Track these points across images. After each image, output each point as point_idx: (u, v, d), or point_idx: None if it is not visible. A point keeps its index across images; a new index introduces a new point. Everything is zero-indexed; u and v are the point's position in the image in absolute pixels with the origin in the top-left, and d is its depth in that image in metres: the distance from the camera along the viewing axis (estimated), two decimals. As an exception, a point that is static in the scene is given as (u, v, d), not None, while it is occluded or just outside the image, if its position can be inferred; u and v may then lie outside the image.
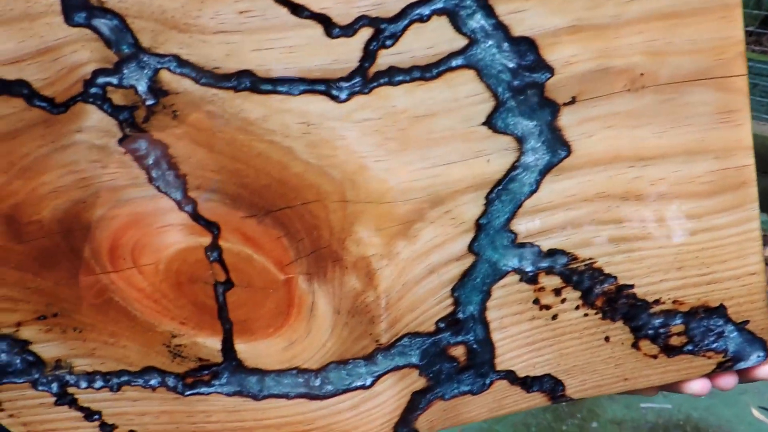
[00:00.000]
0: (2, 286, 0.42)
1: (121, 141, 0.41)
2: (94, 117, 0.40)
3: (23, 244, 0.41)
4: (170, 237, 0.42)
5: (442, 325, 0.47)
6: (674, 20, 0.42)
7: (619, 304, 0.48)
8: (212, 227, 0.42)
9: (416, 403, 0.48)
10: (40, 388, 0.44)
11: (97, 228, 0.42)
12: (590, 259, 0.47)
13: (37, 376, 0.44)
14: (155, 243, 0.42)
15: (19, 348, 0.43)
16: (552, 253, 0.46)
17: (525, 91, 0.43)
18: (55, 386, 0.44)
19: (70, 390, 0.45)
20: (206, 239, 0.43)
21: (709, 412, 1.63)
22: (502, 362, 0.48)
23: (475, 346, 0.48)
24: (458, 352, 0.48)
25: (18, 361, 0.44)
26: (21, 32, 0.38)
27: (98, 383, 0.45)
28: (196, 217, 0.42)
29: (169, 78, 0.40)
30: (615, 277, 0.47)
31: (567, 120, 0.44)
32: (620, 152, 0.45)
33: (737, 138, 0.45)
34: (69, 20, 0.38)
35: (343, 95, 0.42)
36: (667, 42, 0.43)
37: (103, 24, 0.39)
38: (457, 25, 0.41)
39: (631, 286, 0.48)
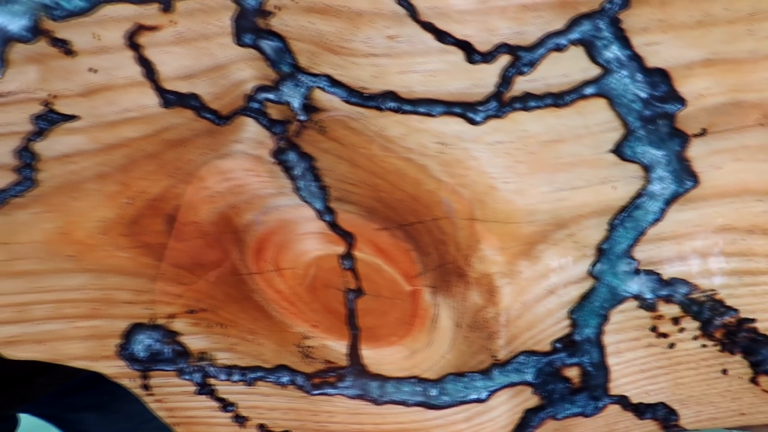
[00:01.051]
0: (161, 280, 0.44)
1: (273, 152, 0.42)
2: (251, 129, 0.42)
3: (181, 242, 0.43)
4: (309, 244, 0.44)
5: (558, 345, 0.46)
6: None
7: (739, 337, 0.46)
8: (348, 237, 0.44)
9: (528, 421, 0.47)
10: (185, 377, 0.46)
11: (246, 232, 0.44)
12: (712, 290, 0.45)
13: (183, 365, 0.46)
14: (295, 249, 0.44)
15: (170, 338, 0.45)
16: (673, 282, 0.45)
17: (655, 121, 0.42)
18: (198, 376, 0.46)
19: (211, 381, 0.46)
20: (341, 248, 0.44)
21: None
22: (616, 387, 0.47)
23: (589, 368, 0.47)
24: (572, 373, 0.47)
25: (168, 350, 0.46)
26: (197, 51, 0.41)
27: (236, 377, 0.46)
28: (334, 226, 0.43)
29: (320, 96, 0.42)
30: (736, 310, 0.45)
31: (696, 151, 0.43)
32: (748, 186, 0.43)
33: None
34: (239, 41, 0.41)
35: (478, 118, 0.42)
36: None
37: (267, 45, 0.41)
38: (593, 55, 0.42)
39: (753, 320, 0.46)
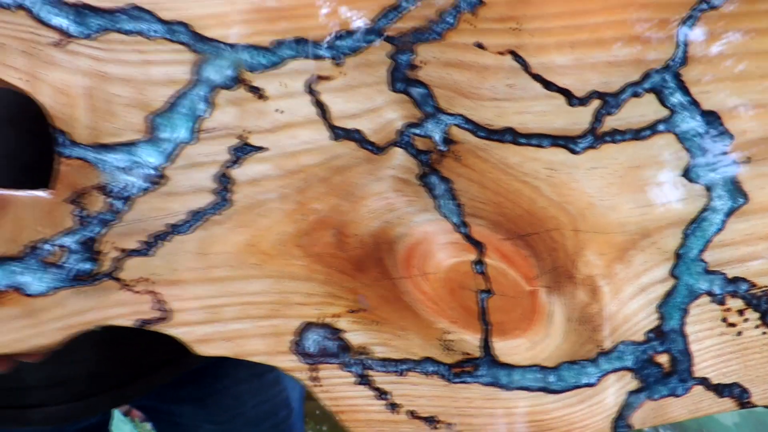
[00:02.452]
0: (329, 284, 0.50)
1: (419, 176, 0.50)
2: (401, 158, 0.50)
3: (345, 252, 0.50)
4: (448, 252, 0.50)
5: (650, 335, 0.52)
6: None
7: None
8: (479, 246, 0.51)
9: (631, 402, 0.53)
10: (348, 369, 0.51)
11: (397, 243, 0.50)
12: (766, 286, 0.53)
13: (345, 359, 0.51)
14: (437, 256, 0.50)
15: (335, 335, 0.51)
16: (736, 280, 0.53)
17: (712, 151, 0.52)
18: (358, 368, 0.51)
19: (369, 373, 0.51)
20: (473, 256, 0.51)
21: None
22: (698, 370, 0.53)
23: (676, 355, 0.53)
24: (663, 359, 0.53)
25: (334, 345, 0.51)
26: (360, 95, 0.49)
27: (390, 368, 0.51)
28: (468, 237, 0.50)
29: (456, 131, 0.50)
30: None
31: (744, 175, 0.52)
32: (786, 201, 0.52)
33: None
34: (393, 88, 0.50)
35: (578, 149, 0.51)
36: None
37: (415, 91, 0.50)
38: (662, 100, 0.51)
39: None
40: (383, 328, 0.50)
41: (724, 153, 0.51)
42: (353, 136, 0.48)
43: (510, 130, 0.50)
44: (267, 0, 0.47)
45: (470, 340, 0.50)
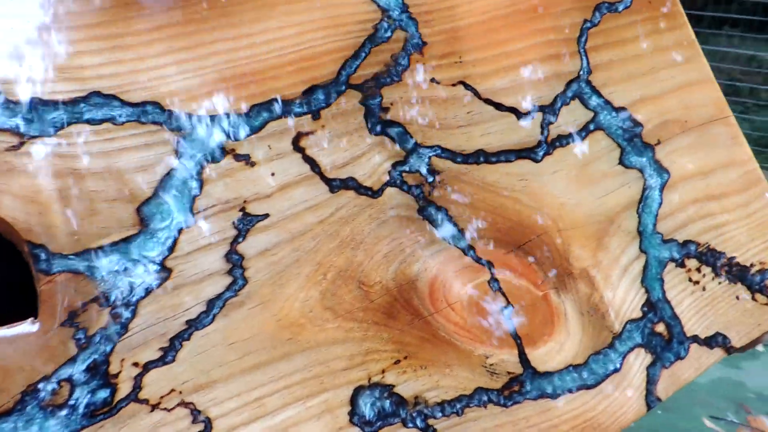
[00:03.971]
0: (367, 340, 0.43)
1: (418, 211, 0.47)
2: (398, 197, 0.47)
3: (373, 302, 0.44)
4: (464, 277, 0.47)
5: (645, 309, 0.53)
6: (689, 90, 0.59)
7: (733, 271, 0.57)
8: (488, 265, 0.48)
9: (652, 376, 0.52)
10: (410, 425, 0.44)
11: (418, 280, 0.46)
12: (706, 243, 0.57)
13: (404, 416, 0.44)
14: (456, 284, 0.47)
15: (387, 392, 0.44)
16: (686, 243, 0.56)
17: (633, 140, 0.56)
18: (419, 421, 0.44)
19: (431, 422, 0.44)
20: (487, 275, 0.48)
21: (664, 425, 1.51)
22: (688, 330, 0.54)
23: (669, 321, 0.54)
24: (661, 328, 0.54)
25: (389, 403, 0.44)
26: (347, 144, 0.46)
27: (448, 410, 0.45)
28: (477, 259, 0.48)
29: (437, 161, 0.48)
30: (723, 253, 0.57)
31: (660, 155, 0.56)
32: (693, 170, 0.58)
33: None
34: (372, 131, 0.47)
35: (539, 157, 0.52)
36: (689, 103, 0.58)
37: (392, 131, 0.47)
38: (585, 104, 0.55)
39: (734, 257, 0.58)
40: (431, 369, 0.44)
41: (641, 139, 0.55)
42: (349, 184, 0.44)
43: (481, 152, 0.49)
44: (235, 67, 0.42)
45: (509, 359, 0.46)
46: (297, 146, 0.42)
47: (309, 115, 0.43)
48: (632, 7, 0.57)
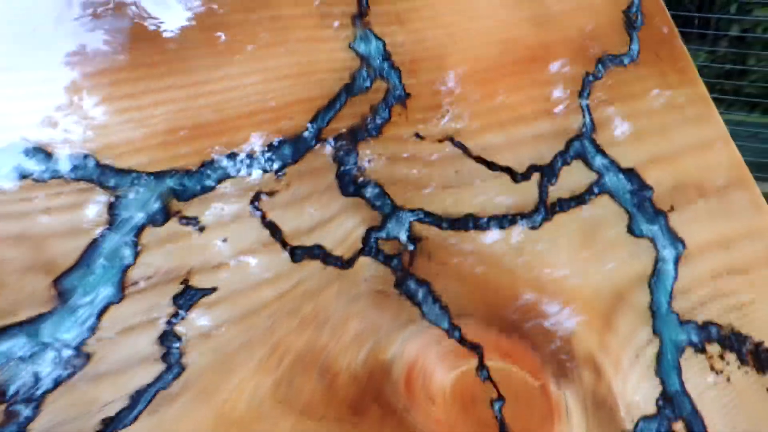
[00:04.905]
0: (327, 439, 0.35)
1: (396, 285, 0.39)
2: (372, 268, 0.39)
3: (338, 394, 0.36)
4: (447, 363, 0.39)
5: (660, 403, 0.44)
6: (704, 150, 0.51)
7: (763, 358, 0.48)
8: (477, 349, 0.40)
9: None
10: None
11: (393, 366, 0.38)
12: (730, 325, 0.48)
13: None
14: (438, 371, 0.39)
15: None
16: (706, 325, 0.47)
17: (643, 205, 0.48)
18: None
19: None
20: (474, 361, 0.40)
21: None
22: (713, 430, 0.45)
23: (689, 419, 0.45)
24: (680, 427, 0.45)
25: None
26: (315, 207, 0.38)
27: None
28: (463, 341, 0.40)
29: (419, 227, 0.41)
30: (750, 336, 0.48)
31: (674, 222, 0.48)
32: (713, 240, 0.49)
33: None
34: (345, 192, 0.39)
35: (536, 223, 0.44)
36: (704, 165, 0.51)
37: (367, 192, 0.40)
38: (589, 164, 0.47)
39: (762, 342, 0.49)
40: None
41: (652, 205, 0.47)
42: (315, 253, 0.36)
43: (470, 217, 0.41)
44: (188, 117, 0.35)
45: (503, 462, 0.37)
46: (256, 208, 0.34)
47: (272, 173, 0.35)
48: (639, 61, 0.50)
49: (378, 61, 0.40)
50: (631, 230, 0.45)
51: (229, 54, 0.36)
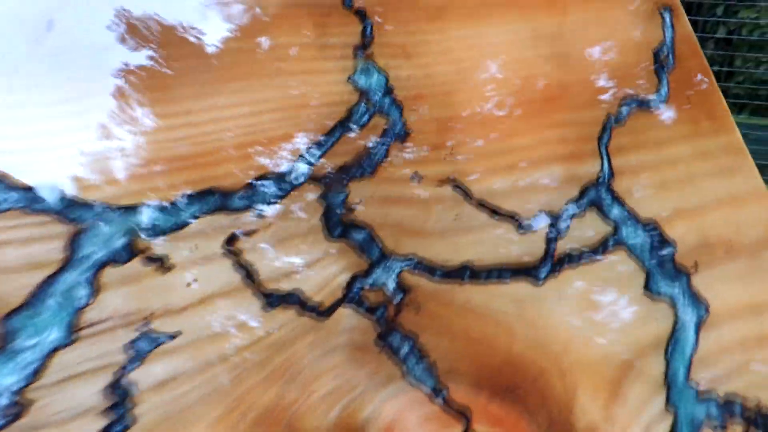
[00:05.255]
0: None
1: (378, 338, 0.35)
2: (353, 319, 0.35)
3: (302, 455, 0.32)
4: (431, 429, 0.35)
5: (671, 485, 0.39)
6: (736, 205, 0.46)
7: None
8: (464, 413, 0.36)
9: None
10: None
11: (366, 428, 0.34)
12: (757, 401, 0.43)
13: None
14: (419, 437, 0.35)
15: None
16: (728, 401, 0.42)
17: (663, 262, 0.43)
18: None
19: None
20: (460, 428, 0.36)
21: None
22: None
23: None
24: None
25: None
26: (293, 249, 0.35)
27: None
28: (448, 405, 0.36)
29: (410, 276, 0.37)
30: None
31: (698, 282, 0.43)
32: (743, 303, 0.44)
33: None
34: (330, 235, 0.36)
35: (541, 277, 0.40)
36: (735, 221, 0.46)
37: (355, 236, 0.36)
38: (604, 214, 0.43)
39: None
40: None
41: (673, 262, 0.42)
42: (291, 300, 0.33)
43: (467, 266, 0.37)
44: (165, 148, 0.32)
45: None
46: (230, 249, 0.32)
47: (252, 211, 0.32)
48: (668, 105, 0.45)
49: (378, 96, 0.37)
50: (648, 289, 0.40)
51: (216, 83, 0.33)
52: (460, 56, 0.40)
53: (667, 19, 0.47)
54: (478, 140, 0.39)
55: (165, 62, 0.33)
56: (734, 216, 0.44)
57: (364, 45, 0.38)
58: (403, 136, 0.37)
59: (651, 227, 0.42)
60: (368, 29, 0.38)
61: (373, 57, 0.38)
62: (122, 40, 0.32)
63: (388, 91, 0.38)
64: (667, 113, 0.45)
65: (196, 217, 0.31)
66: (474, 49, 0.41)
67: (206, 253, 0.31)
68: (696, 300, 0.41)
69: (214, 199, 0.32)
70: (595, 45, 0.44)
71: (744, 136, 0.48)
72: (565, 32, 0.43)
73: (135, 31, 0.32)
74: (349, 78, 0.37)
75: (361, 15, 0.38)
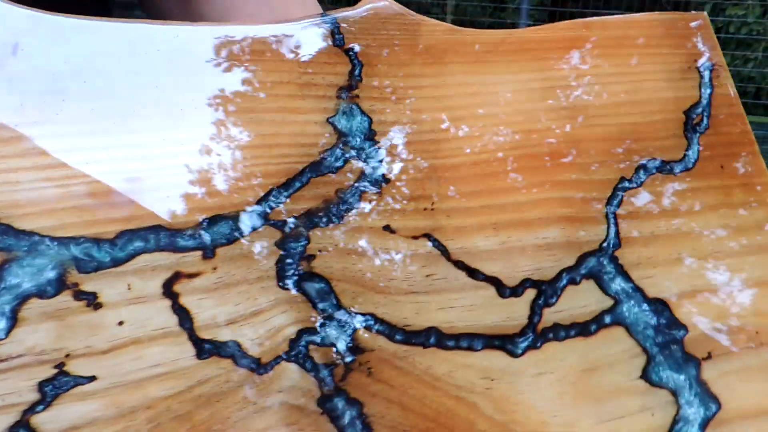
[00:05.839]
0: None
1: (318, 400, 0.32)
2: (294, 376, 0.32)
3: None
4: None
5: None
6: (762, 288, 0.39)
7: None
8: (407, 497, 0.31)
9: None
10: None
11: (291, 501, 0.30)
12: None
13: None
14: None
15: None
16: None
17: (669, 346, 0.37)
18: None
19: None
20: None
21: None
22: None
23: None
24: None
25: None
26: (238, 296, 0.32)
27: None
28: (390, 485, 0.31)
29: (365, 336, 0.33)
30: None
31: (709, 374, 0.37)
32: (763, 405, 0.37)
33: None
34: (282, 284, 0.33)
35: (518, 350, 0.35)
36: (764, 306, 0.39)
37: (311, 287, 0.33)
38: (603, 287, 0.37)
39: None
40: None
41: (682, 348, 0.36)
42: (227, 350, 0.30)
43: (434, 331, 0.33)
44: (114, 180, 0.30)
45: None
46: (169, 290, 0.29)
47: (200, 252, 0.30)
48: (696, 171, 0.40)
49: (358, 140, 0.34)
50: (647, 376, 0.35)
51: (180, 117, 0.31)
52: (456, 103, 0.37)
53: (706, 77, 0.42)
54: (465, 195, 0.35)
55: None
56: (764, 303, 0.38)
57: (351, 86, 0.35)
58: (381, 184, 0.34)
59: (659, 306, 0.36)
60: (357, 70, 0.35)
61: (358, 99, 0.35)
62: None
63: (370, 135, 0.34)
64: (692, 180, 0.39)
65: (136, 254, 0.29)
66: (473, 96, 0.37)
67: (142, 294, 0.29)
68: (705, 394, 0.35)
69: (158, 237, 0.29)
70: (616, 99, 0.39)
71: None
72: (583, 85, 0.39)
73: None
74: (328, 119, 0.34)
75: (352, 54, 0.35)
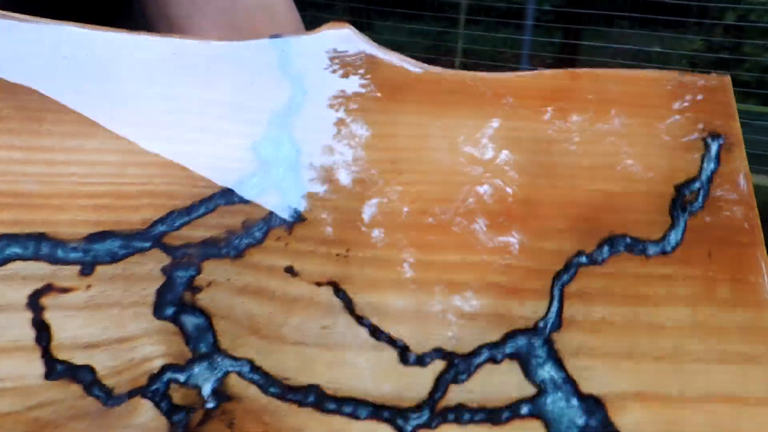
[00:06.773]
0: None
1: (168, 446, 0.28)
2: (147, 415, 0.28)
3: None
4: None
5: None
6: (739, 406, 0.32)
7: None
8: None
9: None
10: None
11: None
12: None
13: None
14: None
15: None
16: None
17: (596, 452, 0.30)
18: None
19: None
20: None
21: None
22: None
23: None
24: None
25: None
26: (110, 320, 0.29)
27: None
28: None
29: (236, 383, 0.29)
30: None
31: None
32: None
33: None
34: (157, 313, 0.29)
35: (408, 427, 0.30)
36: (733, 427, 0.32)
37: (188, 321, 0.29)
38: (528, 372, 0.31)
39: None
40: None
41: None
42: (79, 375, 0.27)
43: (316, 390, 0.28)
44: (8, 182, 0.28)
45: None
46: (34, 302, 0.27)
47: (79, 266, 0.27)
48: (674, 255, 0.33)
49: (281, 170, 0.31)
50: (565, 484, 0.29)
51: (93, 125, 0.29)
52: (401, 144, 0.33)
53: (713, 150, 0.35)
54: (388, 246, 0.31)
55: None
56: (730, 422, 0.31)
57: (286, 113, 0.31)
58: (293, 222, 0.30)
59: (593, 404, 0.30)
60: (297, 97, 0.31)
61: (291, 127, 0.31)
62: None
63: (295, 167, 0.31)
64: (667, 267, 0.33)
65: (8, 262, 0.27)
66: (422, 139, 0.33)
67: (6, 302, 0.26)
68: None
69: (39, 246, 0.27)
70: (593, 161, 0.34)
71: (749, 125, 0.33)
72: (556, 140, 0.34)
73: None
74: (253, 145, 0.31)
75: (296, 81, 0.32)
